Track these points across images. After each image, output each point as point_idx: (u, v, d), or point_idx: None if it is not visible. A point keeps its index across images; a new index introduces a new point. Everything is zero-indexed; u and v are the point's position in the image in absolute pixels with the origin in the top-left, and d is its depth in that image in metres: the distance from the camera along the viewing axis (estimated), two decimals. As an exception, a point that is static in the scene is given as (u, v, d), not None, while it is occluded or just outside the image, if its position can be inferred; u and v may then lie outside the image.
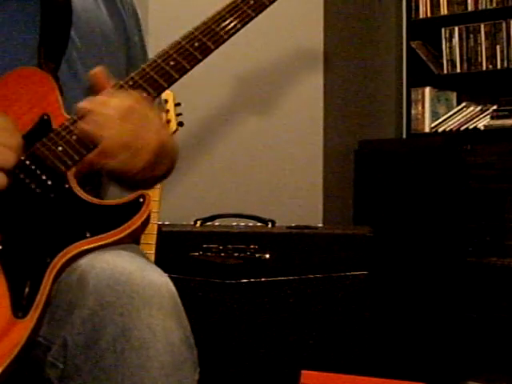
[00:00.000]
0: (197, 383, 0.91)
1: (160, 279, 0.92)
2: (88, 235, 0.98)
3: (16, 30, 1.12)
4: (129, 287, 0.88)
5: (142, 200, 1.01)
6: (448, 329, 2.63)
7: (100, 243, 0.97)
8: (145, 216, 1.00)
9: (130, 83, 1.07)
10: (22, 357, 0.92)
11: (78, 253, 0.96)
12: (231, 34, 1.14)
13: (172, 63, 1.09)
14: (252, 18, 1.16)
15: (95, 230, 0.98)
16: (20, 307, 0.93)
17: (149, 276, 0.91)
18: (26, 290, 0.94)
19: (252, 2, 1.15)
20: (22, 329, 0.92)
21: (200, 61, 1.12)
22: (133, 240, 1.03)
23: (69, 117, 1.05)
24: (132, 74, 1.08)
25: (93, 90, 1.08)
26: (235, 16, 1.14)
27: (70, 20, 1.16)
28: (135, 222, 0.99)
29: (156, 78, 1.08)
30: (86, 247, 0.97)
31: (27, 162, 1.01)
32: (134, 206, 1.00)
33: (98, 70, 1.08)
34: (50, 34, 1.13)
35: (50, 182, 1.01)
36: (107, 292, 0.87)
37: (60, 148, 1.02)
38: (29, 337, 0.92)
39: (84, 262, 0.94)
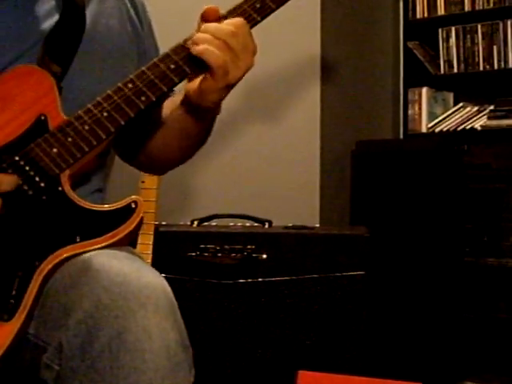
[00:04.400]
0: (192, 385, 0.91)
1: (156, 280, 0.92)
2: (78, 240, 0.97)
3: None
4: (124, 289, 0.88)
5: (133, 206, 1.00)
6: (445, 329, 2.63)
7: (89, 248, 0.96)
8: (136, 222, 0.99)
9: (130, 86, 1.05)
10: (8, 358, 0.92)
11: (66, 257, 0.96)
12: None
13: (173, 66, 1.06)
14: (257, 22, 1.13)
15: (85, 234, 0.97)
16: (6, 310, 0.93)
17: (144, 277, 0.91)
18: (13, 292, 0.94)
19: (258, 6, 1.12)
20: (7, 332, 0.92)
21: None
22: (126, 244, 1.03)
23: (66, 118, 1.03)
24: (131, 76, 1.06)
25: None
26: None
27: (83, 26, 1.14)
28: (125, 228, 0.99)
29: (156, 81, 1.06)
30: (75, 252, 0.96)
31: (21, 163, 1.00)
32: (126, 212, 0.99)
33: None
34: (60, 36, 1.11)
35: (42, 184, 1.00)
36: (102, 294, 0.87)
37: (55, 150, 1.01)
38: (13, 339, 0.92)
39: (79, 263, 0.94)
